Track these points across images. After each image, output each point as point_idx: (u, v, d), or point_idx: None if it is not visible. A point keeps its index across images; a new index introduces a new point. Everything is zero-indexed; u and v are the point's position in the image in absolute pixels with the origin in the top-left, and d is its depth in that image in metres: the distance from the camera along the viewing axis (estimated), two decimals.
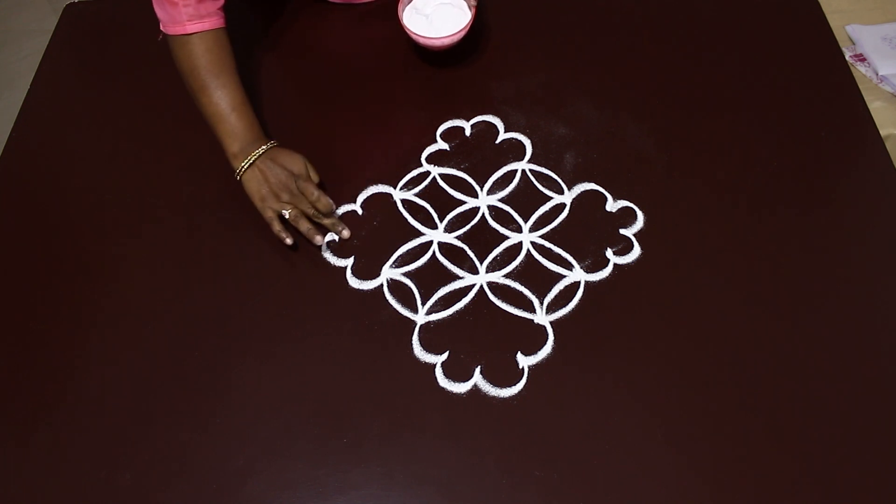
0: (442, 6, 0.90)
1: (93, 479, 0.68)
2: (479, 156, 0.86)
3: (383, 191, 0.85)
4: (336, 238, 0.81)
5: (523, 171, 0.85)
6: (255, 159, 0.80)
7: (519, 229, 0.81)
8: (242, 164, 0.80)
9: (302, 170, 0.80)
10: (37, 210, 0.88)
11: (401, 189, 0.85)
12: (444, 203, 0.83)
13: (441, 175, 0.85)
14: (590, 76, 0.92)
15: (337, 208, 0.83)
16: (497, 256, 0.79)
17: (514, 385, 0.70)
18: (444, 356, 0.72)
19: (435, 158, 0.87)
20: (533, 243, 0.79)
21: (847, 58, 0.98)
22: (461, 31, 0.87)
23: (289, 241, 0.78)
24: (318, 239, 0.78)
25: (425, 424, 0.69)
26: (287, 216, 0.78)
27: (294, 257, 0.80)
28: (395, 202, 0.84)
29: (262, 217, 0.82)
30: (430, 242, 0.80)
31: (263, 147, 0.80)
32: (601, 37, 0.97)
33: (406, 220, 0.82)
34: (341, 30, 1.01)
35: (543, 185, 0.84)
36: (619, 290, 0.75)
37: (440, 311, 0.75)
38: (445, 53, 0.92)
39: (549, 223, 0.81)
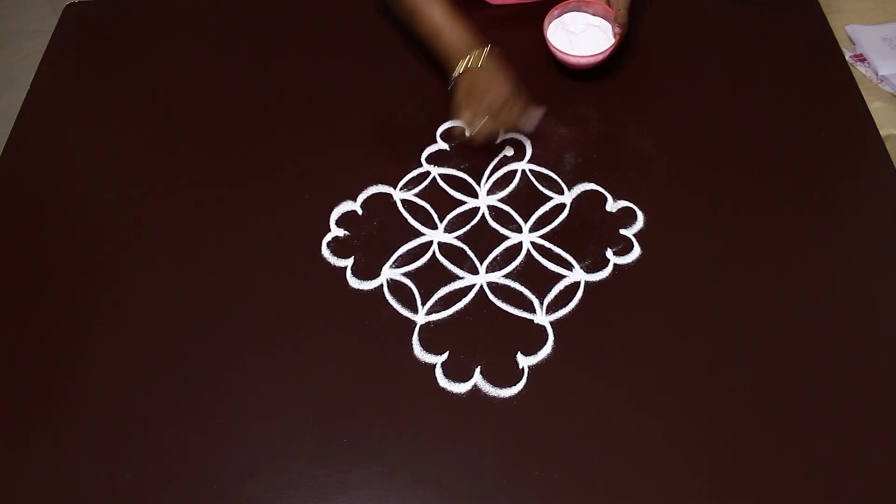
0: (589, 27, 0.91)
1: (93, 479, 0.68)
2: (479, 156, 0.86)
3: (383, 191, 0.85)
4: (333, 238, 0.81)
5: (523, 171, 0.85)
6: (469, 65, 0.80)
7: (519, 229, 0.81)
8: (459, 70, 0.80)
9: (509, 90, 0.80)
10: (37, 210, 0.88)
11: (401, 189, 0.85)
12: (444, 203, 0.83)
13: (441, 175, 0.85)
14: (590, 76, 0.92)
15: (337, 207, 0.83)
16: (497, 256, 0.79)
17: (514, 385, 0.70)
18: (444, 356, 0.72)
19: (435, 158, 0.87)
20: (533, 243, 0.79)
21: (847, 58, 0.98)
22: (599, 54, 0.87)
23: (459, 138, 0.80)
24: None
25: (425, 424, 0.69)
26: (477, 128, 0.79)
27: (294, 257, 0.80)
28: (395, 202, 0.84)
29: (262, 216, 0.83)
30: (430, 242, 0.80)
31: (479, 52, 0.80)
32: None
33: (406, 220, 0.82)
34: (341, 30, 1.01)
35: (543, 185, 0.84)
36: (619, 290, 0.75)
37: (440, 311, 0.75)
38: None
39: (549, 223, 0.81)
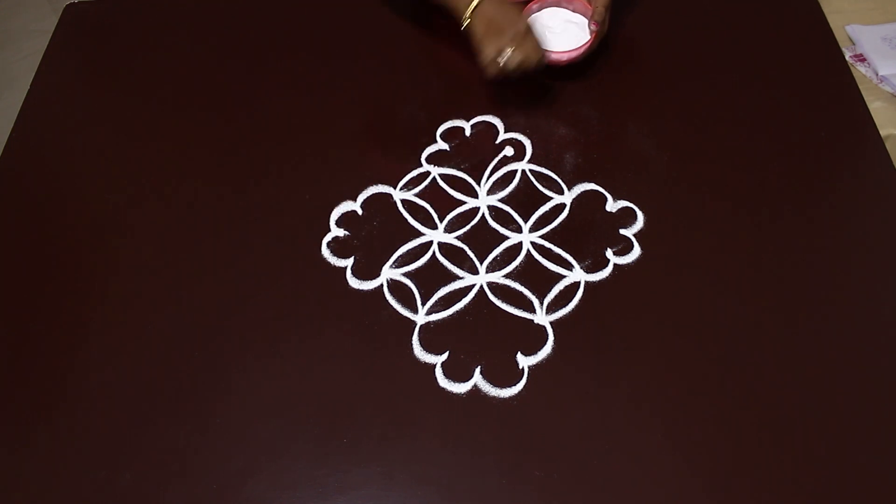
0: (568, 24, 0.91)
1: (93, 479, 0.68)
2: (479, 156, 0.86)
3: (383, 191, 0.85)
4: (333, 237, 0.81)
5: (523, 171, 0.85)
6: (479, 4, 0.81)
7: (519, 229, 0.81)
8: (471, 7, 0.81)
9: (526, 23, 0.81)
10: (37, 210, 0.88)
11: (401, 189, 0.85)
12: (443, 203, 0.83)
13: (441, 175, 0.85)
14: (590, 76, 0.92)
15: (337, 207, 0.83)
16: (497, 256, 0.79)
17: (514, 385, 0.70)
18: (444, 356, 0.72)
19: (435, 158, 0.87)
20: (533, 243, 0.79)
21: (847, 58, 0.98)
22: (575, 50, 0.87)
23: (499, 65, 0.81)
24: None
25: (425, 424, 0.69)
26: (506, 56, 0.79)
27: (294, 257, 0.80)
28: (395, 202, 0.84)
29: (262, 216, 0.82)
30: (430, 242, 0.80)
31: None
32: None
33: (406, 220, 0.82)
34: (342, 29, 1.01)
35: (543, 185, 0.84)
36: (619, 290, 0.75)
37: (440, 311, 0.75)
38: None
39: (549, 223, 0.81)
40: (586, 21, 0.89)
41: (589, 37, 0.88)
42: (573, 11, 0.91)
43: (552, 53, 0.87)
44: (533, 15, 0.91)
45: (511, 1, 0.84)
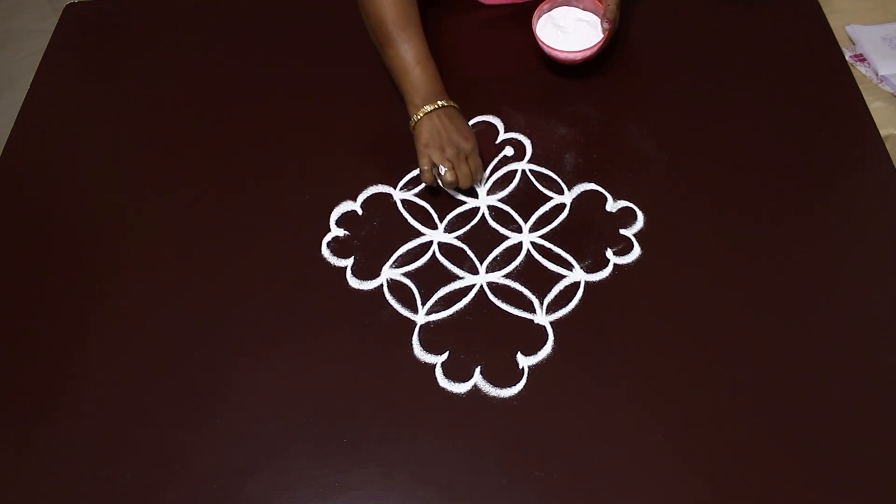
0: (580, 22, 0.90)
1: (93, 479, 0.68)
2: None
3: (383, 191, 0.85)
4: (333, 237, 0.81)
5: (523, 171, 0.85)
6: (434, 110, 0.81)
7: (519, 229, 0.81)
8: (422, 111, 0.81)
9: (473, 144, 0.81)
10: (37, 210, 0.88)
11: (401, 189, 0.85)
12: (444, 203, 0.83)
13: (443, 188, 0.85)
14: (590, 75, 0.92)
15: (337, 207, 0.83)
16: (497, 256, 0.79)
17: (514, 385, 0.70)
18: (444, 356, 0.72)
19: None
20: (533, 243, 0.79)
21: (847, 58, 0.98)
22: (589, 49, 0.87)
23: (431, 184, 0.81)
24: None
25: (425, 424, 0.69)
26: (442, 172, 0.79)
27: (294, 257, 0.80)
28: (395, 202, 0.84)
29: (262, 216, 0.82)
30: (430, 242, 0.80)
31: (445, 103, 0.81)
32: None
33: (406, 220, 0.82)
34: (342, 29, 1.01)
35: (543, 185, 0.84)
36: (619, 290, 0.75)
37: (440, 311, 0.75)
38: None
39: (549, 223, 0.81)
40: (597, 19, 0.89)
41: (601, 34, 0.88)
42: (584, 10, 0.91)
43: (568, 53, 0.87)
44: (545, 14, 0.91)
45: (508, 1, 0.83)
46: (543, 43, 0.88)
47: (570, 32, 0.89)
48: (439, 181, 0.81)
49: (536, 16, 0.90)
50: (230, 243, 0.82)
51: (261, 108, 0.93)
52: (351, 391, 0.71)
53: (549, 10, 0.91)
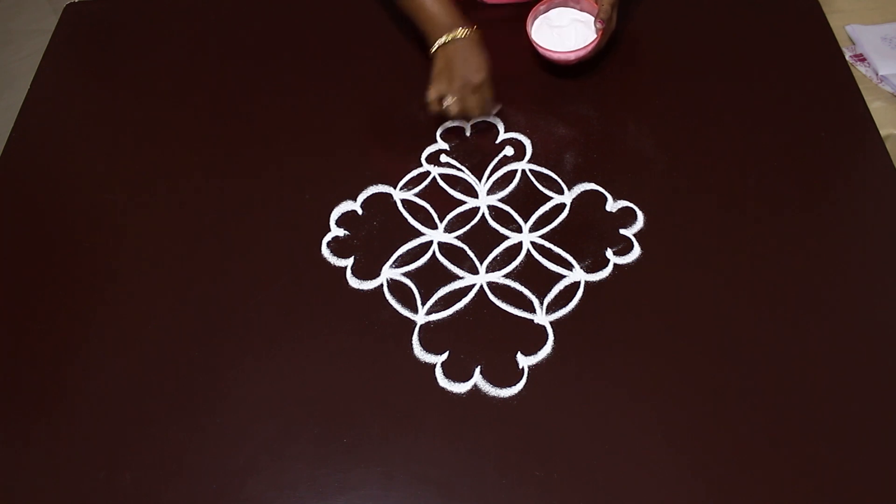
0: (576, 23, 0.90)
1: (93, 479, 0.68)
2: (479, 156, 0.86)
3: (383, 191, 0.85)
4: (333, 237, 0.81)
5: (523, 171, 0.85)
6: (449, 42, 0.81)
7: (519, 229, 0.81)
8: (437, 44, 0.81)
9: (483, 76, 0.81)
10: (37, 210, 0.88)
11: (401, 189, 0.85)
12: (444, 203, 0.83)
13: (441, 175, 0.85)
14: (590, 75, 0.92)
15: (337, 207, 0.83)
16: (497, 256, 0.79)
17: (514, 385, 0.70)
18: (444, 356, 0.72)
19: (435, 158, 0.87)
20: (533, 243, 0.79)
21: (847, 58, 0.98)
22: (582, 49, 0.87)
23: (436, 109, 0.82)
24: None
25: (425, 424, 0.69)
26: (448, 103, 0.80)
27: (294, 257, 0.80)
28: (395, 202, 0.84)
29: (262, 216, 0.83)
30: (430, 242, 0.80)
31: (460, 32, 0.81)
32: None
33: (406, 220, 0.82)
34: (342, 29, 1.01)
35: (543, 185, 0.84)
36: (619, 290, 0.75)
37: (440, 311, 0.75)
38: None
39: (549, 223, 0.81)
40: (592, 19, 0.89)
41: (595, 35, 0.88)
42: (581, 10, 0.91)
43: (560, 53, 0.87)
44: (541, 15, 0.91)
45: (510, 0, 0.83)
46: (537, 43, 0.88)
47: (564, 33, 0.89)
48: (446, 112, 0.81)
49: (531, 17, 0.90)
50: (230, 243, 0.82)
51: (261, 108, 0.93)
52: (351, 391, 0.71)
53: (546, 11, 0.91)
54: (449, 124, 0.88)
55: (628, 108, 0.90)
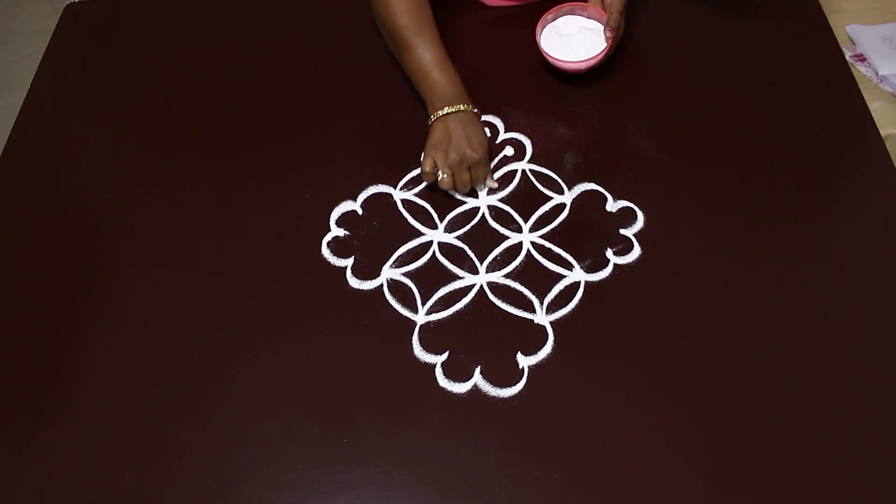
0: (584, 31, 0.90)
1: (93, 479, 0.68)
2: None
3: (383, 191, 0.85)
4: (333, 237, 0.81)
5: (523, 171, 0.85)
6: (449, 114, 0.81)
7: (519, 229, 0.81)
8: (438, 114, 0.81)
9: (481, 154, 0.80)
10: (37, 210, 0.88)
11: (401, 189, 0.85)
12: (444, 203, 0.83)
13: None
14: (590, 76, 0.92)
15: (337, 207, 0.83)
16: (497, 256, 0.79)
17: (514, 385, 0.70)
18: (444, 356, 0.72)
19: None
20: (533, 243, 0.79)
21: (847, 58, 0.98)
22: (593, 58, 0.86)
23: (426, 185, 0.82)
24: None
25: (425, 424, 0.69)
26: (440, 178, 0.80)
27: (294, 257, 0.80)
28: (395, 202, 0.84)
29: (262, 216, 0.83)
30: (430, 242, 0.80)
31: (463, 107, 0.81)
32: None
33: (406, 220, 0.82)
34: (342, 29, 1.01)
35: (543, 185, 0.84)
36: (619, 290, 0.75)
37: (440, 311, 0.75)
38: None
39: (549, 223, 0.81)
40: (600, 27, 0.89)
41: (605, 43, 0.87)
42: (588, 18, 0.91)
43: (572, 63, 0.87)
44: (549, 24, 0.91)
45: (512, 3, 0.83)
46: (547, 54, 0.88)
47: (573, 41, 0.89)
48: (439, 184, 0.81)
49: (540, 26, 0.90)
50: (230, 243, 0.82)
51: (261, 108, 0.93)
52: (351, 391, 0.71)
53: (554, 19, 0.91)
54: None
55: (628, 108, 0.90)
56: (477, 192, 0.83)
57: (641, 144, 0.86)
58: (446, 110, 0.80)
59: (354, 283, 0.78)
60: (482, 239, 0.80)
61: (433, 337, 0.74)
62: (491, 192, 0.83)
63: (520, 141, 0.87)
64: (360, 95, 0.93)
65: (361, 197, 0.84)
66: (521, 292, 0.76)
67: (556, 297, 0.75)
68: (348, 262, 0.79)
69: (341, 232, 0.82)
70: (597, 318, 0.74)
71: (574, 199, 0.82)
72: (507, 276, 0.77)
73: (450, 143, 0.80)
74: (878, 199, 0.81)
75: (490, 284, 0.77)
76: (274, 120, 0.92)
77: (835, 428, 0.66)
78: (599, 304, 0.75)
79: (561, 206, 0.82)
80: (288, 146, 0.89)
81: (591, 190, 0.83)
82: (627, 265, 0.77)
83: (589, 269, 0.77)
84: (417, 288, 0.77)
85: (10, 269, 0.83)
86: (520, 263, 0.78)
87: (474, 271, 0.78)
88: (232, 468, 0.68)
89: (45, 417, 0.72)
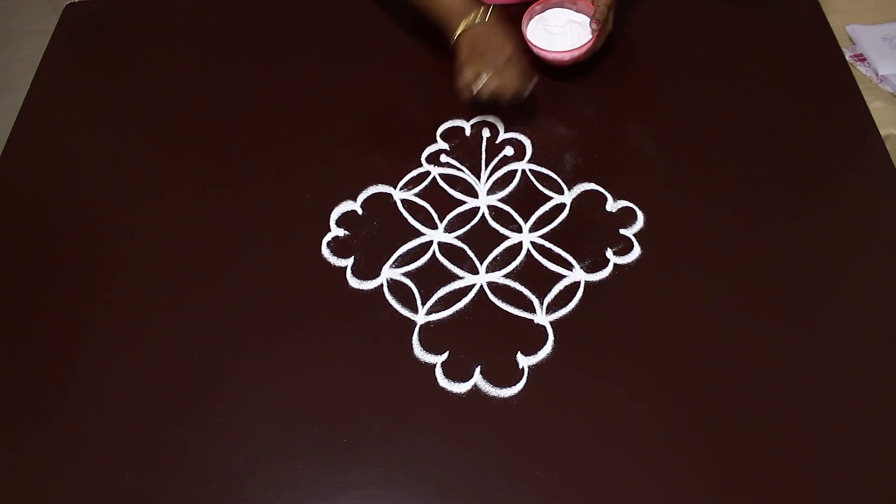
0: (572, 24, 0.90)
1: (93, 479, 0.68)
2: (478, 156, 0.86)
3: (383, 191, 0.85)
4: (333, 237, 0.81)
5: (523, 171, 0.85)
6: (469, 28, 0.80)
7: (519, 229, 0.81)
8: (459, 31, 0.81)
9: (513, 48, 0.80)
10: (36, 210, 0.88)
11: (401, 189, 0.85)
12: (444, 203, 0.83)
13: (441, 175, 0.85)
14: (590, 76, 0.92)
15: (337, 207, 0.83)
16: (497, 256, 0.79)
17: (514, 385, 0.70)
18: (444, 356, 0.72)
19: (435, 158, 0.87)
20: (533, 243, 0.79)
21: (847, 58, 0.98)
22: (577, 49, 0.86)
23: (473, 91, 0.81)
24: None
25: (425, 424, 0.69)
26: (484, 80, 0.79)
27: (294, 257, 0.80)
28: (395, 202, 0.84)
29: (262, 216, 0.83)
30: (430, 242, 0.80)
31: (479, 15, 0.81)
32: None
33: (406, 220, 0.82)
34: (341, 29, 1.01)
35: (543, 185, 0.84)
36: (619, 290, 0.75)
37: (440, 311, 0.75)
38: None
39: (549, 223, 0.81)
40: (587, 20, 0.89)
41: (591, 36, 0.87)
42: (576, 11, 0.91)
43: (555, 53, 0.87)
44: (536, 16, 0.91)
45: (513, 1, 0.83)
46: (532, 43, 0.88)
47: (559, 33, 0.89)
48: (482, 95, 0.80)
49: (527, 17, 0.90)
50: (230, 243, 0.82)
51: (261, 108, 0.93)
52: (351, 391, 0.71)
53: (541, 11, 0.91)
54: (449, 124, 0.88)
55: (628, 108, 0.90)
56: (476, 190, 0.83)
57: (641, 144, 0.86)
58: (465, 24, 0.81)
59: (354, 283, 0.78)
60: (482, 239, 0.80)
61: (433, 337, 0.74)
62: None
63: (520, 141, 0.87)
64: (360, 95, 0.93)
65: (361, 197, 0.84)
66: (521, 292, 0.76)
67: (556, 297, 0.75)
68: (348, 262, 0.79)
69: (341, 232, 0.82)
70: (597, 318, 0.74)
71: (574, 199, 0.82)
72: (507, 276, 0.77)
73: (485, 48, 0.80)
74: (878, 199, 0.81)
75: (490, 284, 0.77)
76: (274, 120, 0.92)
77: (835, 428, 0.66)
78: (599, 304, 0.75)
79: (561, 206, 0.82)
80: (288, 146, 0.89)
81: (591, 190, 0.83)
82: (627, 265, 0.77)
83: (589, 269, 0.77)
84: (417, 288, 0.77)
85: (10, 268, 0.83)
86: (520, 263, 0.78)
87: (474, 271, 0.78)
88: (232, 468, 0.68)
89: (45, 417, 0.72)
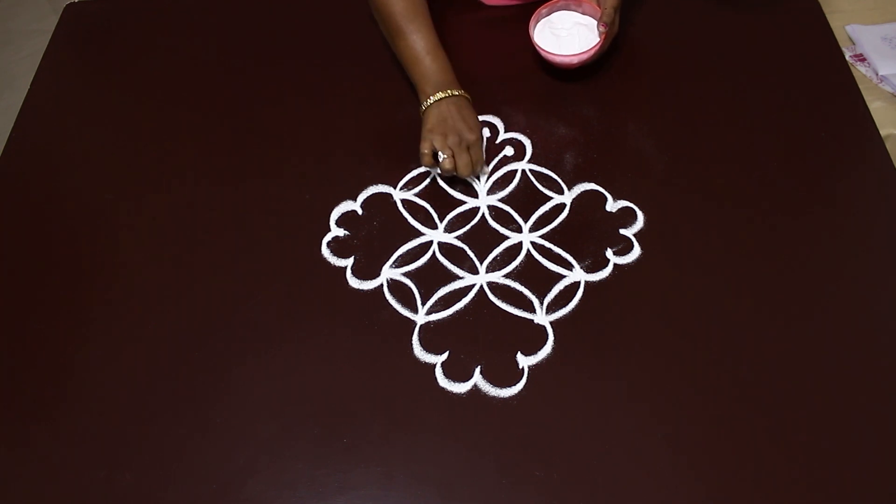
0: (578, 26, 0.90)
1: (93, 479, 0.68)
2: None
3: (383, 191, 0.85)
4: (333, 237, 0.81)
5: (523, 171, 0.85)
6: (443, 99, 0.82)
7: (519, 229, 0.81)
8: (431, 99, 0.82)
9: (477, 135, 0.82)
10: (36, 210, 0.88)
11: (401, 189, 0.85)
12: (444, 203, 0.83)
13: (441, 175, 0.85)
14: (590, 76, 0.92)
15: (337, 207, 0.83)
16: (497, 256, 0.79)
17: (514, 385, 0.70)
18: (444, 356, 0.72)
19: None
20: (533, 243, 0.79)
21: (847, 58, 0.98)
22: (584, 52, 0.86)
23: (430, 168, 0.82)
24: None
25: (425, 424, 0.69)
26: (441, 159, 0.80)
27: (294, 257, 0.80)
28: (395, 202, 0.84)
29: (262, 216, 0.83)
30: (430, 242, 0.80)
31: (456, 92, 0.82)
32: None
33: (406, 220, 0.82)
34: (342, 29, 1.01)
35: (543, 185, 0.84)
36: (619, 290, 0.75)
37: (440, 311, 0.75)
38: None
39: (549, 223, 0.81)
40: (594, 22, 0.89)
41: (598, 38, 0.87)
42: (583, 13, 0.91)
43: (564, 57, 0.87)
44: (543, 19, 0.91)
45: (513, 2, 0.83)
46: (540, 47, 0.88)
47: (567, 36, 0.89)
48: (438, 168, 0.81)
49: (534, 20, 0.90)
50: (230, 243, 0.82)
51: (261, 108, 0.93)
52: (351, 391, 0.71)
53: (548, 14, 0.91)
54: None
55: (628, 108, 0.90)
56: (476, 190, 0.83)
57: (641, 144, 0.86)
58: (439, 95, 0.81)
59: (354, 283, 0.78)
60: (482, 239, 0.80)
61: (433, 337, 0.74)
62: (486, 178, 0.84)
63: (520, 141, 0.87)
64: (360, 95, 0.93)
65: (361, 197, 0.84)
66: (521, 292, 0.76)
67: (556, 297, 0.75)
68: (348, 262, 0.79)
69: (341, 232, 0.82)
70: (597, 318, 0.74)
71: (574, 199, 0.82)
72: (507, 276, 0.77)
73: (446, 126, 0.80)
74: (878, 199, 0.81)
75: (490, 284, 0.77)
76: (274, 120, 0.92)
77: (835, 427, 0.66)
78: (599, 304, 0.75)
79: (561, 206, 0.82)
80: (288, 146, 0.89)
81: (591, 190, 0.83)
82: (627, 265, 0.77)
83: (589, 269, 0.77)
84: (417, 288, 0.77)
85: (10, 268, 0.83)
86: (520, 263, 0.78)
87: (474, 271, 0.78)
88: (232, 468, 0.68)
89: (45, 417, 0.72)
